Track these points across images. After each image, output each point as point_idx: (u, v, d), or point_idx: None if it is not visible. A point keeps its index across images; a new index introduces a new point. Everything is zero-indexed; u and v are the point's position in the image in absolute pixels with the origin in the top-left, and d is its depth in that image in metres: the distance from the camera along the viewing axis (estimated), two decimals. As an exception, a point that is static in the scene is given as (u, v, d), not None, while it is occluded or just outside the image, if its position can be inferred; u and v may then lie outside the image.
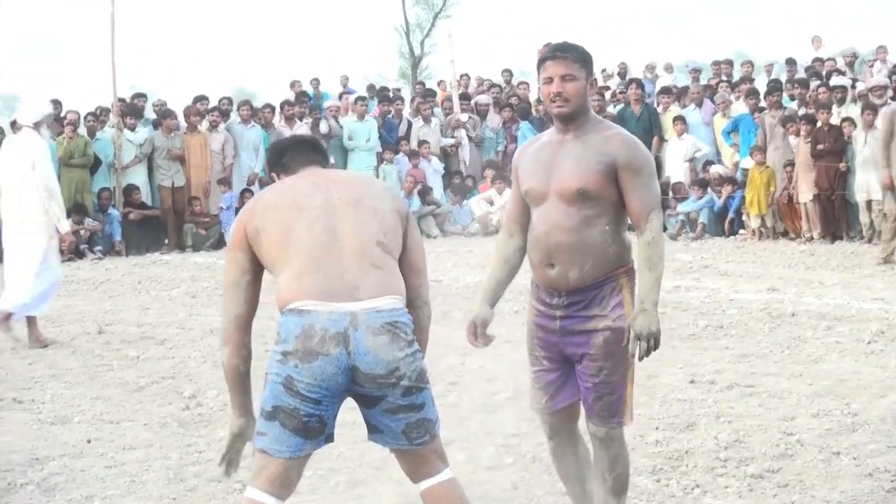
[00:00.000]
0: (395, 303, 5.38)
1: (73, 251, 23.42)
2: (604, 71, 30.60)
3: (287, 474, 5.38)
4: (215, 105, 27.07)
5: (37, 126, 13.67)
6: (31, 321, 13.44)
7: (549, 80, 6.00)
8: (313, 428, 5.31)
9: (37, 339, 13.40)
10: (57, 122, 24.38)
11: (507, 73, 30.96)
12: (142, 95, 27.50)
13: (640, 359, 5.74)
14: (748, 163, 23.47)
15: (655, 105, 26.50)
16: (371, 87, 32.24)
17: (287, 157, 5.88)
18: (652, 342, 5.67)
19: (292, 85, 30.85)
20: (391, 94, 30.25)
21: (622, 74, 29.78)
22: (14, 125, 15.46)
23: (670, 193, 24.64)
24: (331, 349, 5.17)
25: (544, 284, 6.08)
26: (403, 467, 5.61)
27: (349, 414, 9.18)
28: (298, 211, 5.44)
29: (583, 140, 5.96)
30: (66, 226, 13.67)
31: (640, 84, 26.81)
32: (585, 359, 5.95)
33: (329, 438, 5.49)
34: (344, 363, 5.20)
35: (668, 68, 31.06)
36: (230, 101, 28.08)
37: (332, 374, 5.20)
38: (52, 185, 13.56)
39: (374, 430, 5.49)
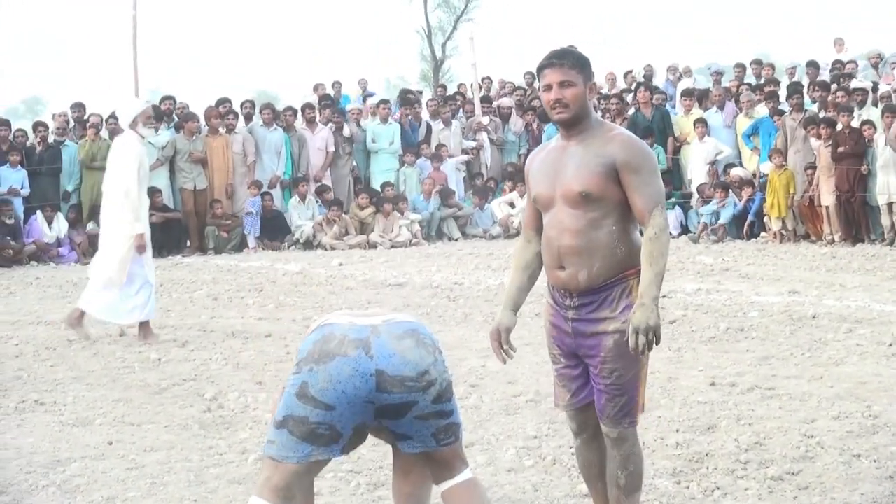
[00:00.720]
0: (415, 319, 5.51)
1: (94, 253, 23.48)
2: (629, 73, 30.60)
3: (291, 483, 5.38)
4: (233, 108, 27.04)
5: (133, 126, 13.92)
6: (143, 324, 13.77)
7: (549, 88, 6.08)
8: (322, 435, 5.32)
9: (146, 336, 13.79)
10: (156, 117, 24.92)
11: (530, 75, 30.83)
12: (169, 98, 27.47)
13: (640, 353, 5.75)
14: (767, 166, 23.48)
15: (676, 107, 26.52)
16: (405, 92, 32.19)
17: None
18: (651, 336, 5.68)
19: (315, 88, 30.86)
20: (413, 97, 30.21)
21: (648, 77, 29.70)
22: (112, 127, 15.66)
23: (694, 195, 24.70)
24: (349, 351, 5.22)
25: (556, 286, 6.15)
26: (429, 471, 5.66)
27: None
28: None
29: (585, 143, 6.03)
30: (137, 228, 13.76)
31: (648, 87, 26.80)
32: (597, 361, 6.00)
33: (344, 451, 5.54)
34: (364, 367, 5.23)
35: (687, 71, 30.99)
36: (252, 104, 28.10)
37: (348, 375, 5.22)
38: (131, 186, 13.72)
39: (403, 439, 5.53)
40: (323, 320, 5.50)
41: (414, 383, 5.29)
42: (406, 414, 5.36)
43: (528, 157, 6.57)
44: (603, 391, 6.02)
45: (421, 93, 34.51)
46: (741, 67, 28.69)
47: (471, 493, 5.56)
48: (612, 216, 5.94)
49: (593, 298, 5.95)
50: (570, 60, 6.07)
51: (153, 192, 24.66)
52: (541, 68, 6.15)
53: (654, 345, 5.72)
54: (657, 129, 25.32)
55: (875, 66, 27.61)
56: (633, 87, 28.43)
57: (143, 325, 13.72)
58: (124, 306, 13.77)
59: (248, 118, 26.62)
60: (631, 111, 26.20)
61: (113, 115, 25.66)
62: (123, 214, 13.75)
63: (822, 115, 23.10)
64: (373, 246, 25.11)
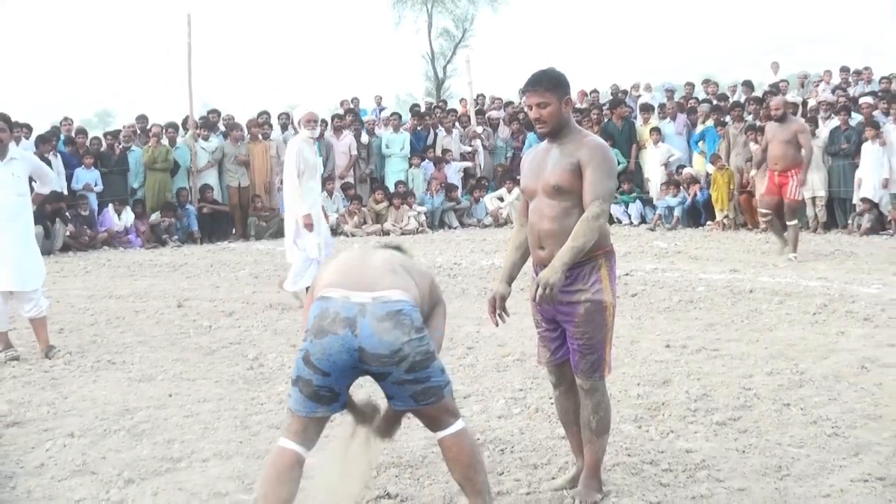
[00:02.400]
0: (403, 296, 5.51)
1: (155, 239, 23.62)
2: (593, 92, 30.53)
3: (305, 429, 5.53)
4: (270, 119, 27.18)
5: (300, 126, 14.12)
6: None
7: (530, 108, 6.24)
8: (324, 396, 5.46)
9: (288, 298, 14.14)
10: (206, 126, 25.55)
11: (521, 91, 30.96)
12: (214, 111, 27.53)
13: (536, 301, 5.85)
14: (712, 168, 23.51)
15: (636, 118, 26.54)
16: (414, 106, 32.15)
17: None
18: (548, 290, 5.73)
19: (342, 103, 30.91)
20: (421, 110, 30.21)
21: (614, 94, 29.67)
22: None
23: (652, 191, 24.78)
24: (339, 329, 5.32)
25: (538, 263, 6.26)
26: (421, 421, 5.75)
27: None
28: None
29: (562, 147, 6.16)
30: (302, 210, 13.85)
31: (620, 102, 26.85)
32: (571, 325, 6.09)
33: (343, 406, 5.68)
34: (350, 343, 5.32)
35: (648, 88, 30.96)
36: (287, 115, 28.10)
37: (337, 350, 5.32)
38: (293, 178, 13.87)
39: (389, 398, 5.65)
40: (323, 291, 5.54)
41: (388, 359, 5.34)
42: (385, 380, 5.45)
43: (524, 156, 6.68)
44: (577, 350, 6.11)
45: (431, 104, 34.37)
46: (691, 86, 28.65)
47: (457, 442, 5.61)
48: (581, 206, 6.00)
49: (569, 274, 5.94)
50: (544, 84, 6.18)
51: (205, 188, 24.85)
52: (523, 91, 6.37)
53: (550, 297, 5.76)
54: (625, 137, 25.37)
55: (802, 85, 27.61)
56: (596, 104, 28.37)
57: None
58: (292, 275, 14.02)
59: (284, 128, 26.61)
60: (605, 121, 26.16)
61: (172, 125, 25.83)
62: (291, 201, 13.99)
63: (758, 124, 23.13)
64: (386, 233, 25.09)
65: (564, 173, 6.03)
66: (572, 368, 6.24)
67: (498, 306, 6.35)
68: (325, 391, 5.42)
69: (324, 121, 27.78)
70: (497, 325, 6.45)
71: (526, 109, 6.36)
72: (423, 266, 5.78)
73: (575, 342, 6.12)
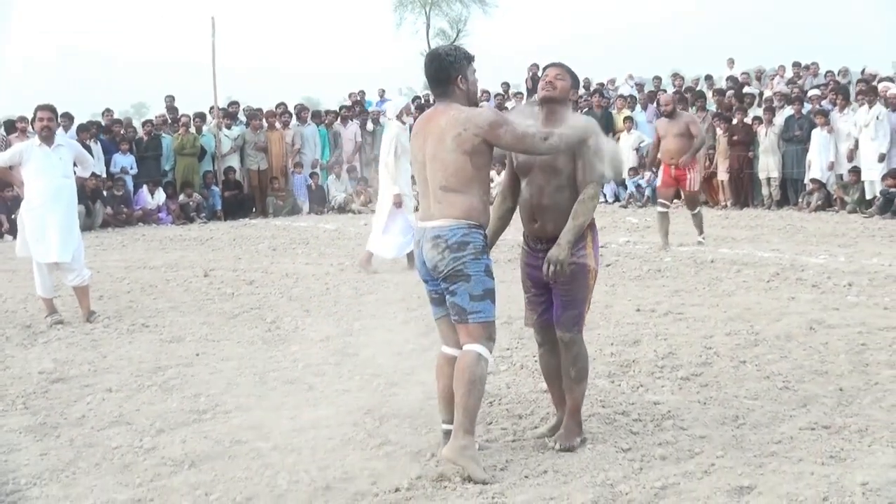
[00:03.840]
0: (444, 223, 5.72)
1: (184, 217, 23.64)
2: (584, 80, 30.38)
3: (442, 330, 6.07)
4: (288, 109, 27.20)
5: (399, 116, 14.36)
6: (409, 256, 13.88)
7: (546, 76, 6.25)
8: (434, 299, 6.00)
9: (364, 265, 14.29)
10: (228, 116, 25.62)
11: (506, 84, 30.79)
12: (235, 103, 27.63)
13: (550, 277, 5.96)
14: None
15: (613, 108, 26.52)
16: (416, 98, 32.07)
17: (430, 87, 6.09)
18: (558, 267, 5.90)
19: (350, 95, 30.83)
20: (421, 102, 30.16)
21: (587, 87, 29.56)
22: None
23: (624, 173, 24.78)
24: (416, 248, 5.86)
25: (530, 234, 6.31)
26: None
27: (386, 334, 9.20)
28: (416, 163, 6.00)
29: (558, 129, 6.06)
30: (394, 189, 13.99)
31: (601, 93, 26.80)
32: (558, 284, 6.09)
33: (440, 308, 6.03)
34: (420, 256, 5.87)
35: (630, 78, 30.96)
36: (304, 107, 28.14)
37: (419, 264, 5.93)
38: (389, 160, 14.01)
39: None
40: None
41: (431, 272, 5.82)
42: (441, 288, 5.88)
43: None
44: (560, 305, 6.15)
45: (431, 98, 34.23)
46: (659, 79, 28.56)
47: (462, 358, 5.76)
48: (572, 184, 6.04)
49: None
50: (567, 68, 6.31)
51: (228, 170, 24.88)
52: (545, 67, 6.36)
53: (561, 273, 5.92)
54: (602, 125, 25.28)
55: (759, 79, 27.58)
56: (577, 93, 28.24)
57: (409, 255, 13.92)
58: (387, 245, 14.12)
59: (300, 117, 26.68)
60: (586, 110, 26.05)
61: (199, 115, 25.83)
62: (386, 180, 14.10)
63: (720, 113, 23.21)
64: (389, 211, 25.10)
65: (559, 154, 6.01)
66: (555, 323, 6.25)
67: None
68: (434, 293, 5.97)
69: (333, 112, 27.96)
70: None
71: (541, 80, 6.30)
72: (451, 148, 5.67)
73: (560, 298, 6.15)
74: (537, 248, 6.23)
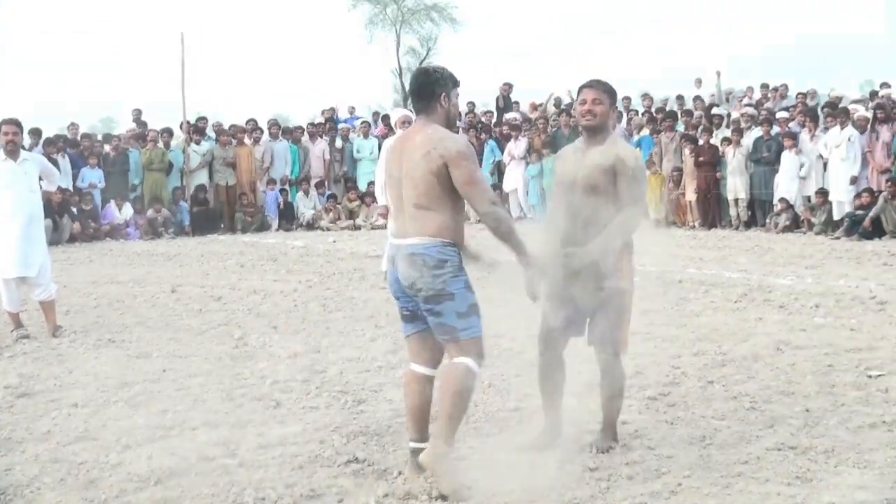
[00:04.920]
0: (419, 240, 5.69)
1: (152, 231, 23.59)
2: (540, 104, 30.36)
3: (412, 347, 6.04)
4: (258, 126, 27.10)
5: (396, 127, 14.07)
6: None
7: (584, 102, 6.39)
8: (406, 316, 5.96)
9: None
10: (196, 131, 25.54)
11: (471, 104, 30.69)
12: (203, 118, 27.66)
13: (563, 261, 6.17)
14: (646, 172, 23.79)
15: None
16: (376, 114, 32.10)
17: (413, 101, 6.08)
18: (569, 258, 6.16)
19: (322, 112, 30.81)
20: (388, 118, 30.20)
21: (557, 104, 29.56)
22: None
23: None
24: (390, 266, 5.85)
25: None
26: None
27: (354, 351, 9.18)
28: (391, 178, 5.94)
29: (599, 150, 6.31)
30: (381, 201, 14.06)
31: (568, 113, 26.88)
32: (595, 307, 6.32)
33: (424, 321, 5.87)
34: (393, 275, 5.86)
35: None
36: (277, 123, 28.14)
37: (392, 280, 5.91)
38: (378, 174, 14.26)
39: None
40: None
41: (408, 290, 5.75)
42: (420, 307, 5.81)
43: (559, 153, 6.85)
44: (597, 327, 6.42)
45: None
46: (628, 99, 28.62)
47: (450, 371, 5.73)
48: (611, 204, 6.21)
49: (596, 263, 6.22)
50: (604, 86, 6.40)
51: (199, 188, 24.84)
52: (581, 87, 6.45)
53: (568, 264, 6.17)
54: (571, 143, 25.36)
55: (727, 100, 27.71)
56: (544, 114, 28.23)
57: None
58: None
59: (271, 133, 26.68)
60: (555, 129, 26.08)
61: (167, 130, 25.82)
62: (378, 193, 14.45)
63: (688, 134, 23.35)
64: (358, 228, 25.10)
65: (600, 175, 6.19)
66: (593, 345, 6.46)
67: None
68: (406, 311, 5.92)
69: (301, 127, 28.02)
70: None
71: (578, 104, 6.44)
72: (422, 168, 5.65)
73: (601, 323, 6.32)
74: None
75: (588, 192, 6.21)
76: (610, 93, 6.37)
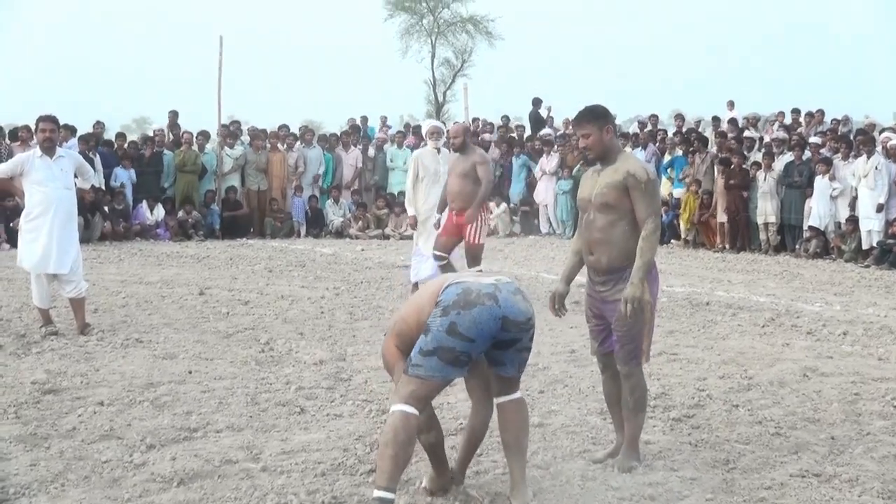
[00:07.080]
0: (514, 280, 5.75)
1: (181, 233, 23.68)
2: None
3: (430, 394, 5.55)
4: (291, 132, 27.36)
5: (426, 138, 14.58)
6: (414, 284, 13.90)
7: (577, 139, 6.69)
8: (461, 361, 5.45)
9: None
10: (230, 135, 25.40)
11: (506, 118, 30.78)
12: (236, 122, 27.77)
13: (628, 316, 6.19)
14: (679, 192, 23.74)
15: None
16: (407, 125, 32.20)
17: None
18: (636, 304, 6.16)
19: (349, 121, 30.93)
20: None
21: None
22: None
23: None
24: (485, 301, 5.42)
25: (589, 267, 6.59)
26: (495, 387, 5.79)
27: (379, 360, 9.19)
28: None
29: (610, 168, 6.47)
30: (410, 212, 14.22)
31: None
32: (615, 318, 6.38)
33: (467, 369, 5.66)
34: (496, 313, 5.42)
35: (637, 119, 31.12)
36: (308, 129, 28.32)
37: (486, 318, 5.40)
38: (408, 184, 14.25)
39: (499, 364, 5.69)
40: (454, 278, 5.66)
41: (523, 325, 5.54)
42: (511, 347, 5.58)
43: (585, 173, 6.89)
44: (618, 339, 6.42)
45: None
46: (655, 117, 28.65)
47: (519, 407, 5.77)
48: (624, 220, 6.35)
49: (612, 277, 6.42)
50: (585, 118, 6.56)
51: (229, 190, 24.91)
52: (572, 124, 6.72)
53: (639, 311, 6.20)
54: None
55: (755, 126, 27.58)
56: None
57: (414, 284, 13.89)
58: (427, 266, 13.81)
59: (304, 140, 26.76)
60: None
61: (202, 132, 25.91)
62: (406, 202, 14.29)
63: (720, 156, 23.27)
64: (386, 237, 25.14)
65: (611, 192, 6.35)
66: (615, 355, 6.52)
67: (557, 302, 6.72)
68: (465, 356, 5.46)
69: (335, 135, 28.15)
70: (559, 317, 6.86)
71: (574, 141, 6.69)
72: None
73: (616, 332, 6.42)
74: (595, 280, 6.55)
75: (601, 209, 6.40)
76: (595, 119, 6.52)
